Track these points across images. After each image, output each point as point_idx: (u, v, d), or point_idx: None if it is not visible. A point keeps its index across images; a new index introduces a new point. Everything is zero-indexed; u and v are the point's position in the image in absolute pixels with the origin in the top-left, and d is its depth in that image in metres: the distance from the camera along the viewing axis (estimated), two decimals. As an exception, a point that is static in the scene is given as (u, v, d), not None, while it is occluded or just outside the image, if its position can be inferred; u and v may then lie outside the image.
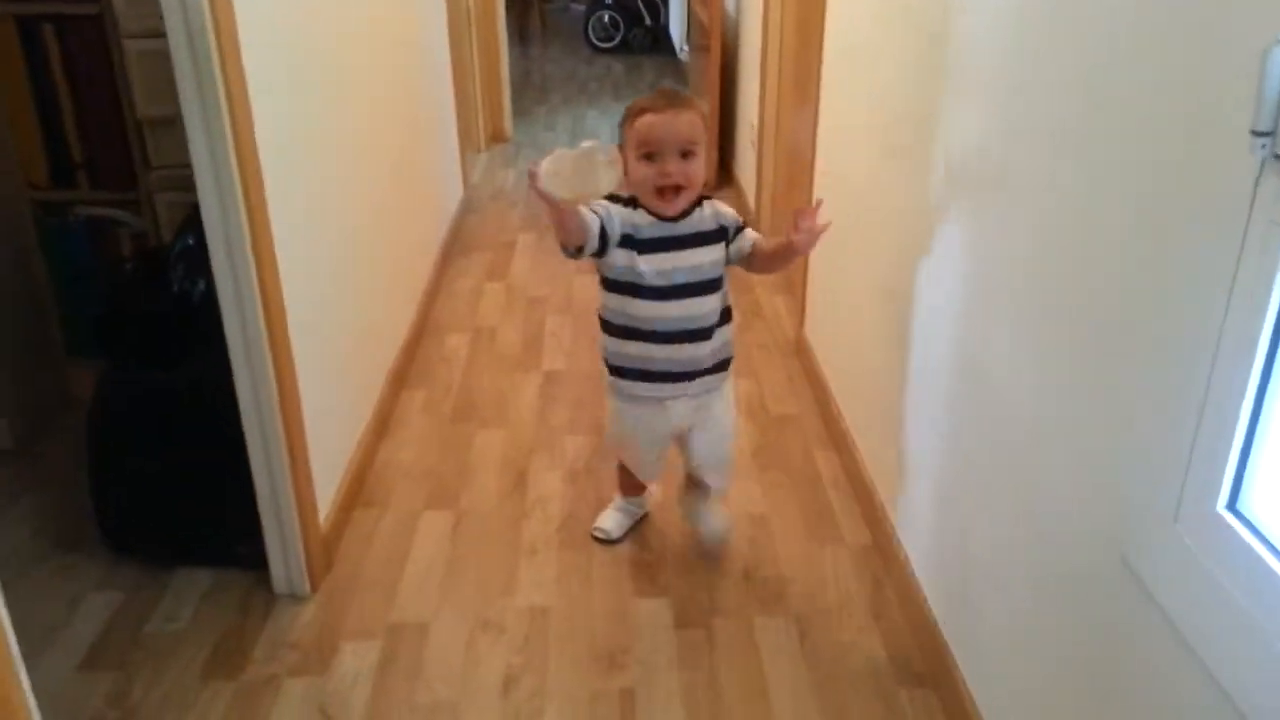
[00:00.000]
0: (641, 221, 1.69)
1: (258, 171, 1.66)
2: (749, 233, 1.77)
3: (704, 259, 1.72)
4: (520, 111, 5.60)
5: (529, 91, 6.30)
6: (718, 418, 1.86)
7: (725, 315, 1.78)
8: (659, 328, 1.73)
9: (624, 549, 2.02)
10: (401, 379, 2.67)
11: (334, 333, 2.14)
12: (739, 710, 1.62)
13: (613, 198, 1.67)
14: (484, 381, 2.71)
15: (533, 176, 1.48)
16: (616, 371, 1.82)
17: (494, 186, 4.48)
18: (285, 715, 1.61)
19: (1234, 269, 0.87)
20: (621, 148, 1.66)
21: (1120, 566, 1.07)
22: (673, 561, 1.98)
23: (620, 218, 1.68)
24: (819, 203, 1.66)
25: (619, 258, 1.69)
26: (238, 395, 1.77)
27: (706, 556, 1.98)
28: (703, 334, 1.75)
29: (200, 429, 1.88)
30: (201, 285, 1.85)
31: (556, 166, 1.49)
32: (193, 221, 1.82)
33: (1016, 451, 1.37)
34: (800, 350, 2.80)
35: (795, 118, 3.15)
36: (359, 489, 2.19)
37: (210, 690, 1.65)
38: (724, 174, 4.39)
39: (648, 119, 1.64)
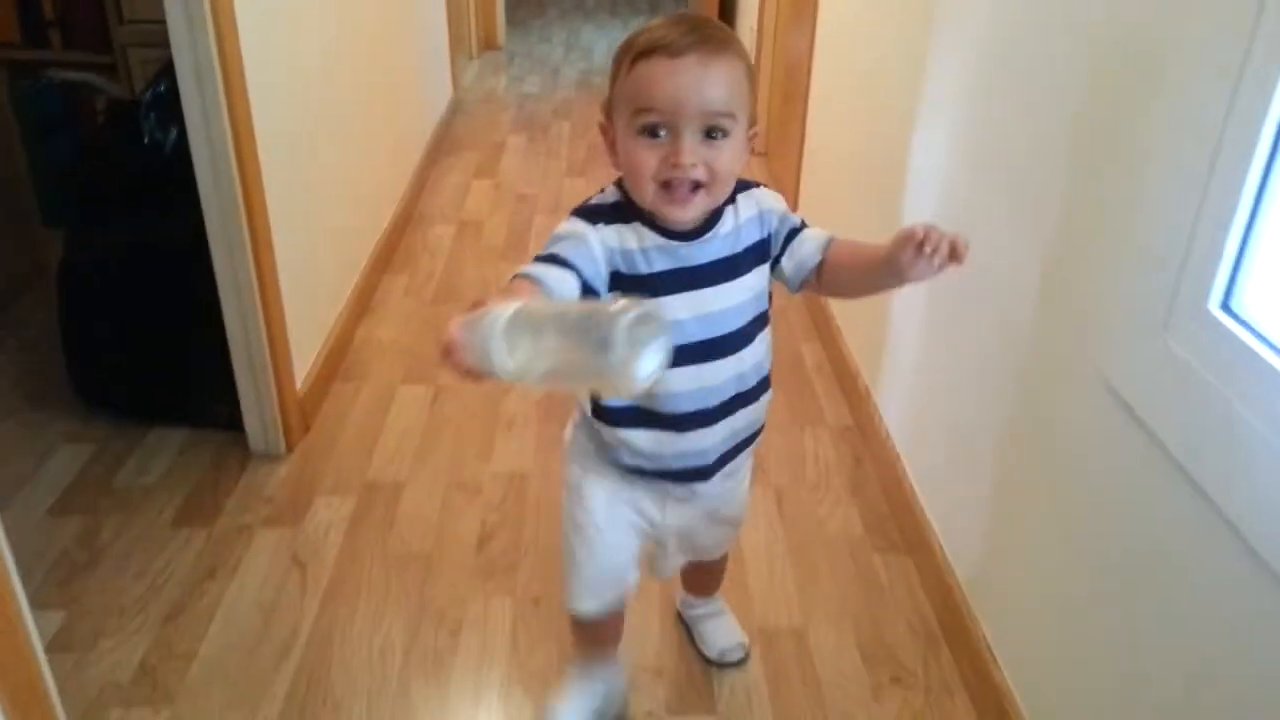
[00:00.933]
0: (647, 243, 1.01)
1: (233, 23, 1.60)
2: (810, 235, 1.07)
3: (736, 298, 1.05)
4: (515, 22, 5.51)
5: (526, 3, 6.17)
6: (735, 505, 1.25)
7: (765, 382, 1.13)
8: (669, 408, 1.07)
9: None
10: (384, 264, 2.63)
11: (313, 204, 2.09)
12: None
13: (595, 209, 1.03)
14: (467, 270, 2.67)
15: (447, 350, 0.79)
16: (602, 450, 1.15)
17: (484, 91, 4.39)
18: (257, 561, 1.59)
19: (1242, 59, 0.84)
20: (608, 111, 1.01)
21: (1105, 394, 1.06)
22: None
23: (608, 246, 1.00)
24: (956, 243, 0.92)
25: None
26: (211, 251, 1.73)
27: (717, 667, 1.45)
28: (741, 400, 1.10)
29: (175, 285, 1.84)
30: (174, 134, 1.79)
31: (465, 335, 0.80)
32: (167, 70, 1.76)
33: (999, 294, 1.35)
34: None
35: (793, 30, 3.06)
36: (338, 363, 2.16)
37: (181, 537, 1.64)
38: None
39: (655, 64, 0.94)
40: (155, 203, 1.82)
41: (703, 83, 0.93)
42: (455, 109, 4.00)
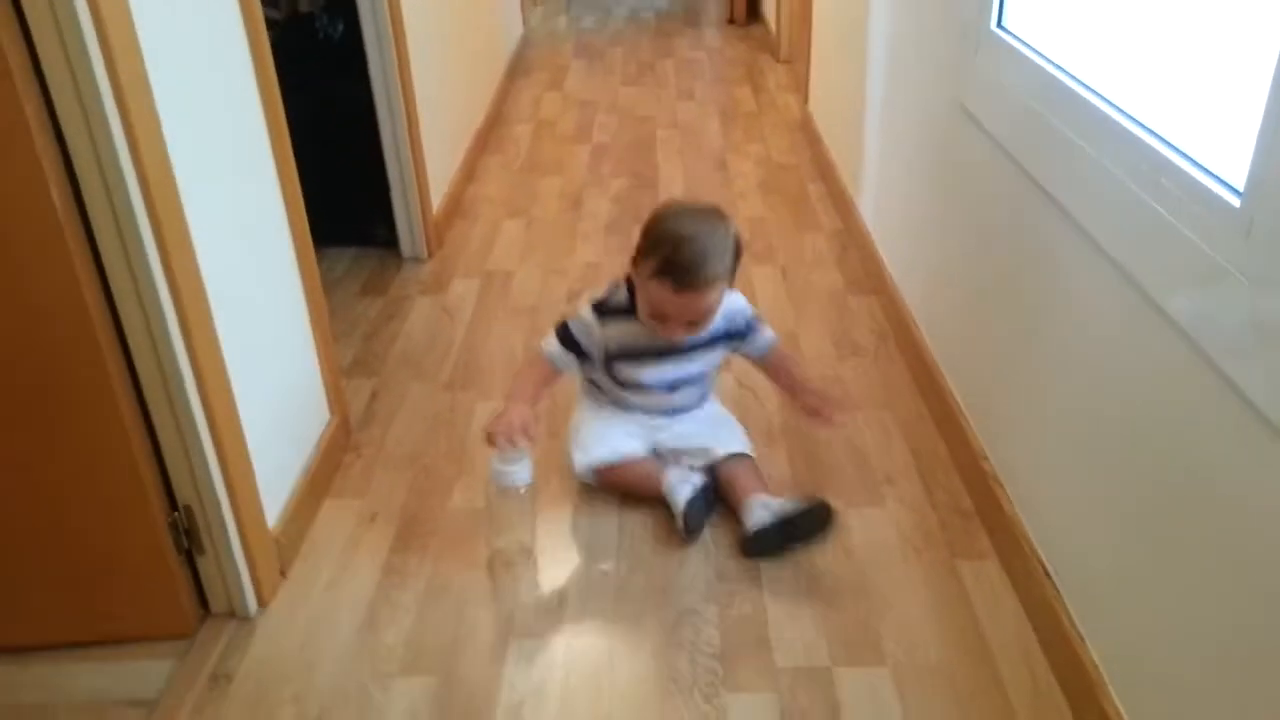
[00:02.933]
0: (639, 333, 1.56)
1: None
2: (766, 334, 1.66)
3: (698, 363, 1.64)
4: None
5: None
6: (704, 405, 1.73)
7: (705, 398, 1.73)
8: (639, 407, 1.67)
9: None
10: (482, 148, 3.36)
11: (439, 94, 2.81)
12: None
13: (609, 309, 1.58)
14: (546, 151, 3.39)
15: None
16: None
17: (549, 29, 5.11)
18: (419, 312, 2.33)
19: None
20: (636, 260, 1.50)
21: (961, 114, 1.70)
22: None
23: (608, 337, 1.58)
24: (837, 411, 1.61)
25: (598, 368, 1.65)
26: (377, 111, 2.46)
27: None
28: (689, 405, 1.70)
29: (345, 138, 2.58)
30: (340, 27, 2.52)
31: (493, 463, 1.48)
32: (332, -14, 2.49)
33: (914, 94, 1.99)
34: (804, 125, 3.41)
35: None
36: (455, 207, 2.89)
37: (365, 301, 2.39)
38: (752, 12, 4.98)
39: (661, 294, 1.47)
40: (329, 81, 2.56)
41: (691, 307, 1.47)
42: (525, 43, 4.71)
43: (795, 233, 2.68)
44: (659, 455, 1.69)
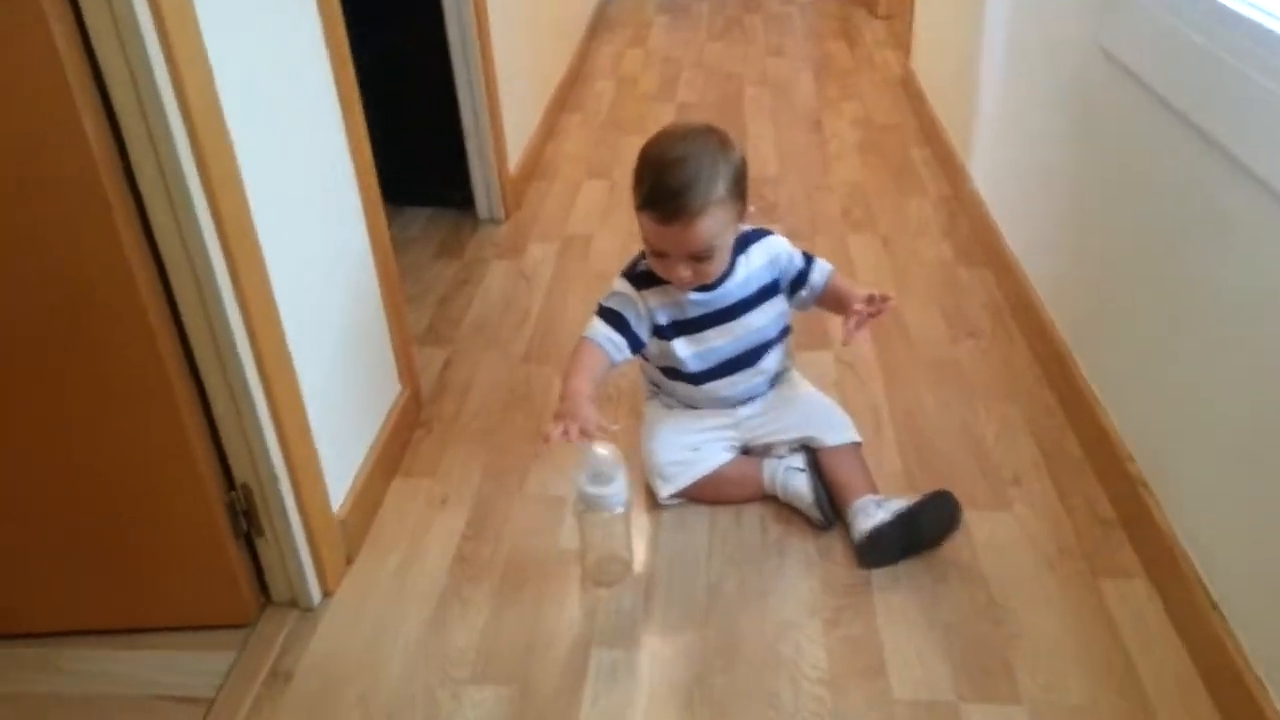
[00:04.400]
0: (680, 297, 1.40)
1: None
2: (822, 265, 1.47)
3: (758, 322, 1.45)
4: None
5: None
6: (795, 389, 1.55)
7: (778, 378, 1.55)
8: (715, 399, 1.50)
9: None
10: (561, 106, 3.19)
11: (519, 46, 2.66)
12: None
13: (639, 276, 1.42)
14: (628, 109, 3.21)
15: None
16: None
17: (631, -17, 4.90)
18: (495, 276, 2.20)
19: None
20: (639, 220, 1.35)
21: (1101, 58, 1.49)
22: (785, 205, 2.46)
23: (649, 306, 1.41)
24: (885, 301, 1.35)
25: (652, 347, 1.46)
26: (453, 64, 2.31)
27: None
28: (764, 381, 1.51)
29: (420, 92, 2.44)
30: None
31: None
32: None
33: (1040, 40, 1.77)
34: (906, 83, 3.17)
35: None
36: (534, 167, 2.74)
37: (440, 264, 2.26)
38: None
39: (650, 227, 1.31)
40: (401, 29, 2.42)
41: (683, 239, 1.28)
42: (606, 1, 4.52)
43: (898, 198, 2.47)
44: (749, 453, 1.51)
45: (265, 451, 1.23)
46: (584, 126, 3.07)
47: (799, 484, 1.42)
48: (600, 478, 1.29)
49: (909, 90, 3.11)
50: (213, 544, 1.27)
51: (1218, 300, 1.18)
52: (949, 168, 2.52)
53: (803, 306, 1.50)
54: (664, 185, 1.27)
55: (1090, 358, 1.60)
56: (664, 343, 1.43)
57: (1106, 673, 1.19)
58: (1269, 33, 1.05)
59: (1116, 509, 1.42)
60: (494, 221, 2.45)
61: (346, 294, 1.49)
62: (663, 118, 3.09)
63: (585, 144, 2.93)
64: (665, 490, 1.46)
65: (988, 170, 2.24)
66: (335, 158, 1.45)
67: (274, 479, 1.24)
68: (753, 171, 2.65)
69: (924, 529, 1.34)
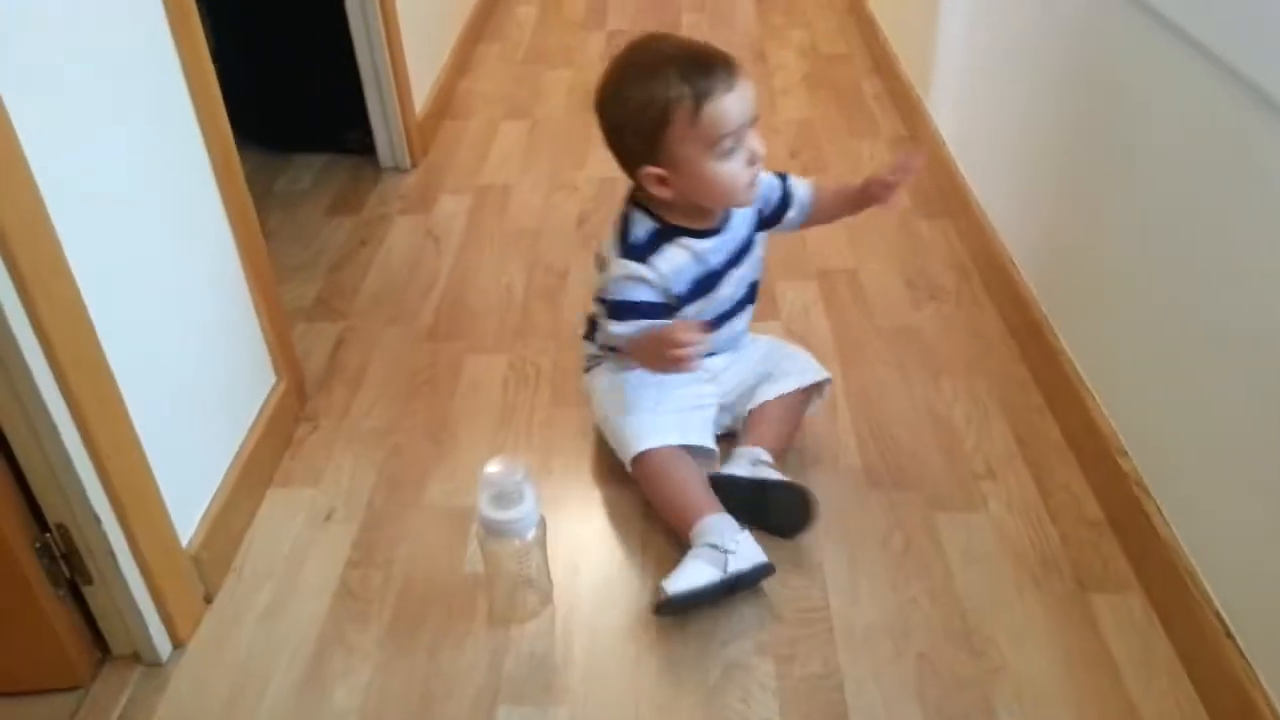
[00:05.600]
0: (699, 248, 1.21)
1: None
2: (795, 181, 1.31)
3: (757, 255, 1.30)
4: None
5: None
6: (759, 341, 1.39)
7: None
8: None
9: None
10: (477, 35, 2.87)
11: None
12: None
13: (640, 247, 1.20)
14: (552, 39, 2.90)
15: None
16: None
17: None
18: (399, 235, 1.93)
19: None
20: (657, 160, 1.14)
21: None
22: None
23: (662, 275, 1.20)
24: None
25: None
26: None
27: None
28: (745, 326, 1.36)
29: (311, 28, 2.12)
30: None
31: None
32: None
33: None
34: (854, 7, 2.91)
35: None
36: (446, 104, 2.44)
37: (334, 223, 1.98)
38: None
39: (722, 100, 1.10)
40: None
41: (750, 97, 1.12)
42: (530, -88, 4.14)
43: (849, 139, 2.23)
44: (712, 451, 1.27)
45: (78, 483, 0.97)
46: (503, 60, 2.76)
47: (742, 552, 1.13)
48: (504, 499, 1.07)
49: (857, 15, 2.85)
50: (24, 596, 1.02)
51: (1234, 254, 0.98)
52: (904, 103, 2.29)
53: (791, 228, 1.34)
54: (702, 53, 1.13)
55: (1072, 329, 1.40)
56: (684, 308, 1.23)
57: (1103, 713, 1.02)
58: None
59: (1106, 509, 1.24)
60: (398, 170, 2.17)
61: (194, 276, 1.22)
62: (590, 48, 2.80)
63: (505, 80, 2.63)
64: (636, 449, 1.21)
65: (949, 106, 2.01)
66: (167, 85, 1.16)
67: (91, 517, 1.00)
68: (689, 110, 2.40)
69: (768, 512, 1.20)
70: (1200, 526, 1.07)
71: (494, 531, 1.08)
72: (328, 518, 1.30)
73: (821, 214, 1.33)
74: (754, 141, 1.14)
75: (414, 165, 2.17)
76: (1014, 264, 1.60)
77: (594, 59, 2.72)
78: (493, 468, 1.05)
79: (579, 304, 1.70)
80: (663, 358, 1.11)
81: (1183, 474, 1.11)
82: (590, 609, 1.16)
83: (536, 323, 1.67)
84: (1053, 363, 1.41)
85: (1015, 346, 1.55)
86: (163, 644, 1.11)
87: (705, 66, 1.11)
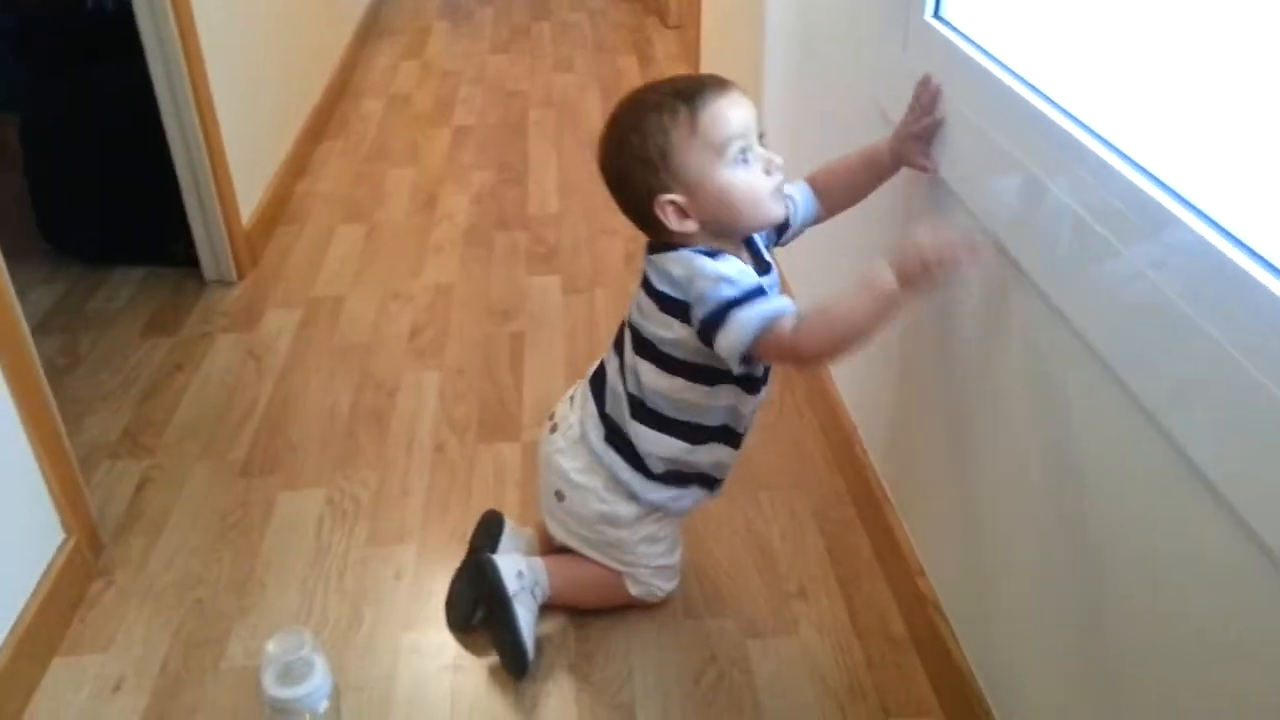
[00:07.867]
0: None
1: None
2: (799, 185, 1.22)
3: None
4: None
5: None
6: None
7: None
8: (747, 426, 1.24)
9: (520, 238, 2.27)
10: (318, 133, 2.83)
11: (249, 67, 2.29)
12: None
13: (714, 251, 1.08)
14: (398, 135, 2.89)
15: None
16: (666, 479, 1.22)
17: (411, -17, 4.52)
18: (218, 357, 1.86)
19: None
20: (671, 188, 1.05)
21: (882, 122, 1.33)
22: (566, 250, 2.23)
23: (738, 270, 1.07)
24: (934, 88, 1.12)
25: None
26: (158, 100, 1.94)
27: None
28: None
29: (127, 136, 2.05)
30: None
31: None
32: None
33: (823, 81, 1.61)
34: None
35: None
36: (279, 210, 2.39)
37: (149, 344, 1.90)
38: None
39: (715, 103, 1.04)
40: (103, 60, 2.03)
41: (749, 106, 1.07)
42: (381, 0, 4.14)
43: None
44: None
45: None
46: (345, 157, 2.73)
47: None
48: (290, 674, 1.02)
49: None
50: None
51: (1006, 416, 1.04)
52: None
53: (798, 233, 1.23)
54: (689, 76, 1.12)
55: (878, 446, 1.45)
56: None
57: None
58: (1055, 126, 0.90)
59: (909, 627, 1.28)
60: (223, 283, 2.10)
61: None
62: (438, 145, 2.80)
63: (345, 180, 2.59)
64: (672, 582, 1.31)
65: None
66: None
67: None
68: (533, 209, 2.43)
69: (465, 588, 1.28)
70: (989, 653, 1.11)
71: (282, 710, 1.03)
72: (116, 688, 1.21)
73: (840, 197, 1.23)
74: (768, 147, 1.08)
75: (240, 277, 2.11)
76: (830, 378, 1.65)
77: (438, 157, 2.72)
78: (273, 646, 1.01)
79: (407, 424, 1.67)
80: (929, 273, 0.97)
81: (973, 606, 1.15)
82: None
83: (360, 448, 1.62)
84: (861, 476, 1.45)
85: (832, 459, 1.59)
86: None
87: (695, 81, 1.07)
